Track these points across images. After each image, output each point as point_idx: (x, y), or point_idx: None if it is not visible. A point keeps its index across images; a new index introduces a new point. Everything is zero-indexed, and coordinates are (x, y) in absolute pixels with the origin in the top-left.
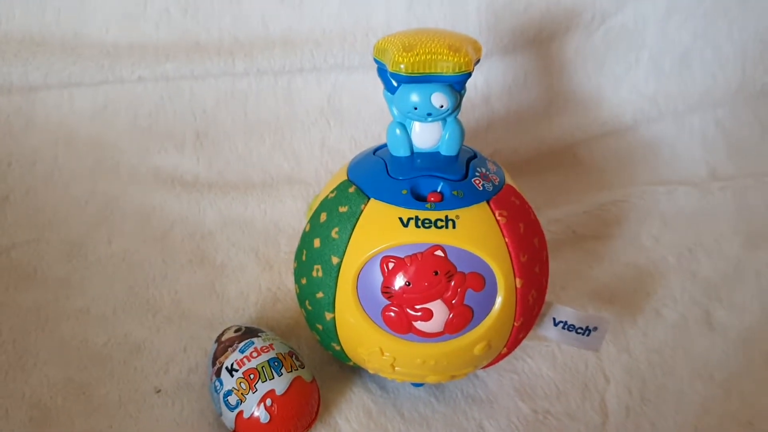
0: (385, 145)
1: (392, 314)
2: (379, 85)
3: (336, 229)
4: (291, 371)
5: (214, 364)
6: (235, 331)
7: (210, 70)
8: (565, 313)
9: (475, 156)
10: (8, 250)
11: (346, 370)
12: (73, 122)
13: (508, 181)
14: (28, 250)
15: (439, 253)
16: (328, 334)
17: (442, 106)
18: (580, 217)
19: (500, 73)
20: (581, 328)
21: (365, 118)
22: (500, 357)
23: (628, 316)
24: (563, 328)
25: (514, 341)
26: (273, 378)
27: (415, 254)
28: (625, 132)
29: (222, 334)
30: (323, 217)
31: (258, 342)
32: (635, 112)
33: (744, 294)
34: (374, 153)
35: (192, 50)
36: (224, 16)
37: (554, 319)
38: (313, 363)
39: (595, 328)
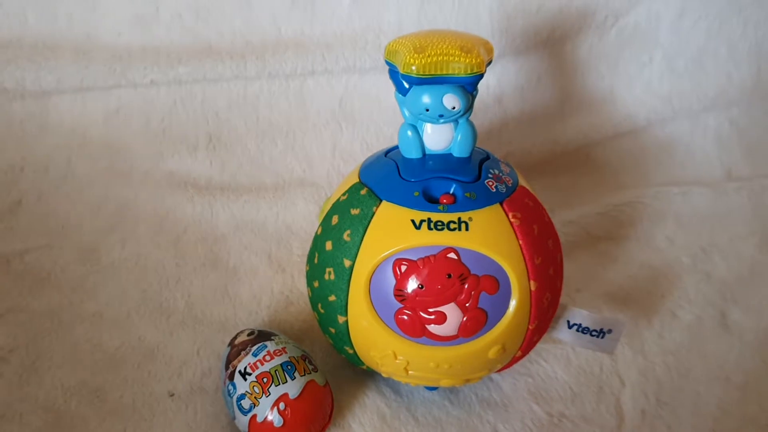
0: (396, 147)
1: (405, 317)
2: (391, 87)
3: (348, 231)
4: (304, 375)
5: (227, 367)
6: (248, 335)
7: (222, 74)
8: (580, 315)
9: (487, 157)
10: (22, 254)
11: (359, 373)
12: (86, 126)
13: (522, 182)
14: (41, 254)
15: (452, 255)
16: (341, 338)
17: (454, 108)
18: (594, 219)
19: (513, 74)
20: (596, 331)
21: (377, 120)
22: (515, 360)
23: (643, 317)
24: (578, 330)
25: (528, 344)
26: (286, 382)
27: (428, 257)
28: (638, 132)
29: (235, 337)
30: (335, 219)
31: (271, 345)
32: (649, 112)
33: (760, 295)
34: (386, 155)
35: (204, 54)
36: (236, 19)
37: (568, 321)
38: (326, 366)
39: (610, 331)
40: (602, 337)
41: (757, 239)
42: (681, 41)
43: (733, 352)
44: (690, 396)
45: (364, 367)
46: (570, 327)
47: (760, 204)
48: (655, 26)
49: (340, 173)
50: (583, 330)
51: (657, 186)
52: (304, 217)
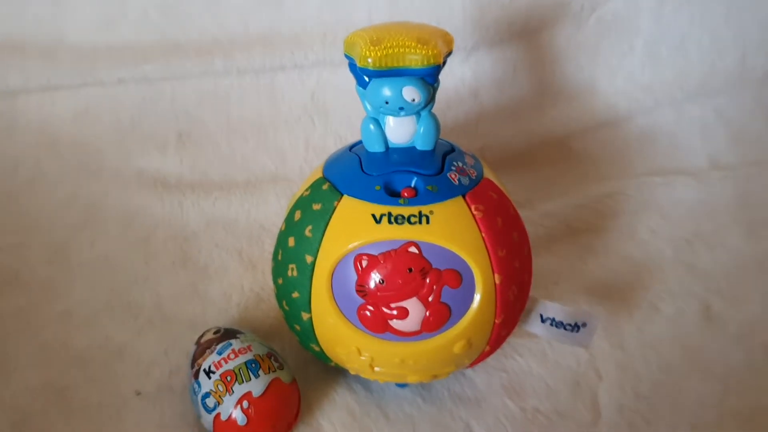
0: (361, 142)
1: (368, 313)
2: None
3: (309, 227)
4: (269, 373)
5: (193, 366)
6: (214, 333)
7: (190, 71)
8: (552, 309)
9: (452, 150)
10: None
11: (329, 370)
12: (55, 126)
13: (487, 174)
14: (11, 254)
15: (413, 249)
16: (306, 335)
17: (414, 100)
18: (575, 211)
19: (488, 67)
20: (569, 324)
21: (350, 114)
22: (484, 355)
23: (624, 311)
24: (551, 324)
25: (496, 339)
26: (250, 380)
27: (388, 251)
28: (620, 123)
29: (202, 335)
30: (297, 215)
31: (236, 344)
32: (631, 102)
33: (744, 286)
34: (350, 149)
35: (171, 51)
36: (203, 16)
37: (541, 315)
38: (296, 363)
39: (584, 324)
40: (577, 331)
41: (743, 229)
42: (663, 29)
43: (716, 344)
44: (670, 390)
45: (332, 364)
46: (543, 321)
47: (745, 193)
48: (635, 14)
49: (313, 168)
50: (557, 324)
51: (639, 177)
52: (276, 214)
